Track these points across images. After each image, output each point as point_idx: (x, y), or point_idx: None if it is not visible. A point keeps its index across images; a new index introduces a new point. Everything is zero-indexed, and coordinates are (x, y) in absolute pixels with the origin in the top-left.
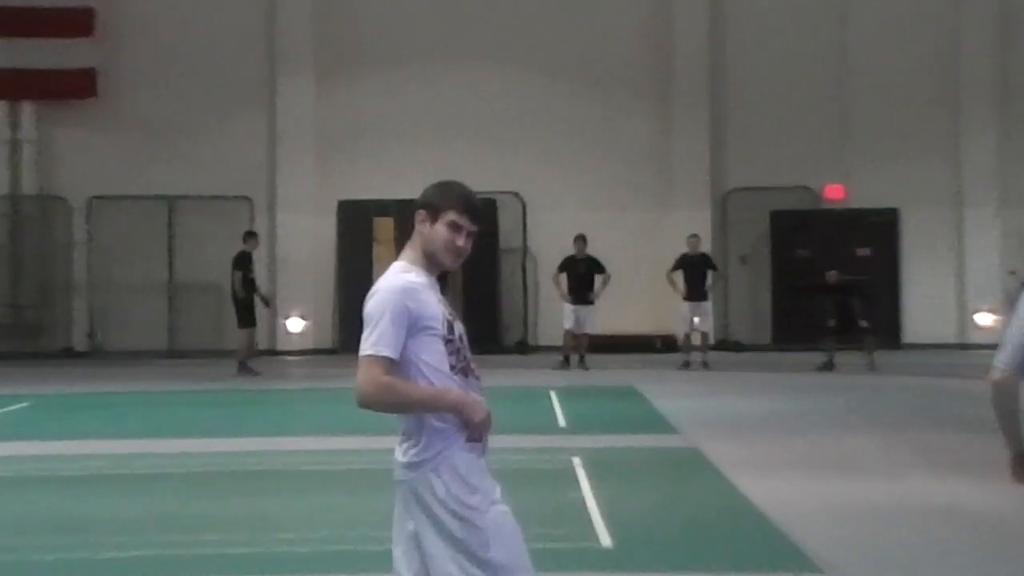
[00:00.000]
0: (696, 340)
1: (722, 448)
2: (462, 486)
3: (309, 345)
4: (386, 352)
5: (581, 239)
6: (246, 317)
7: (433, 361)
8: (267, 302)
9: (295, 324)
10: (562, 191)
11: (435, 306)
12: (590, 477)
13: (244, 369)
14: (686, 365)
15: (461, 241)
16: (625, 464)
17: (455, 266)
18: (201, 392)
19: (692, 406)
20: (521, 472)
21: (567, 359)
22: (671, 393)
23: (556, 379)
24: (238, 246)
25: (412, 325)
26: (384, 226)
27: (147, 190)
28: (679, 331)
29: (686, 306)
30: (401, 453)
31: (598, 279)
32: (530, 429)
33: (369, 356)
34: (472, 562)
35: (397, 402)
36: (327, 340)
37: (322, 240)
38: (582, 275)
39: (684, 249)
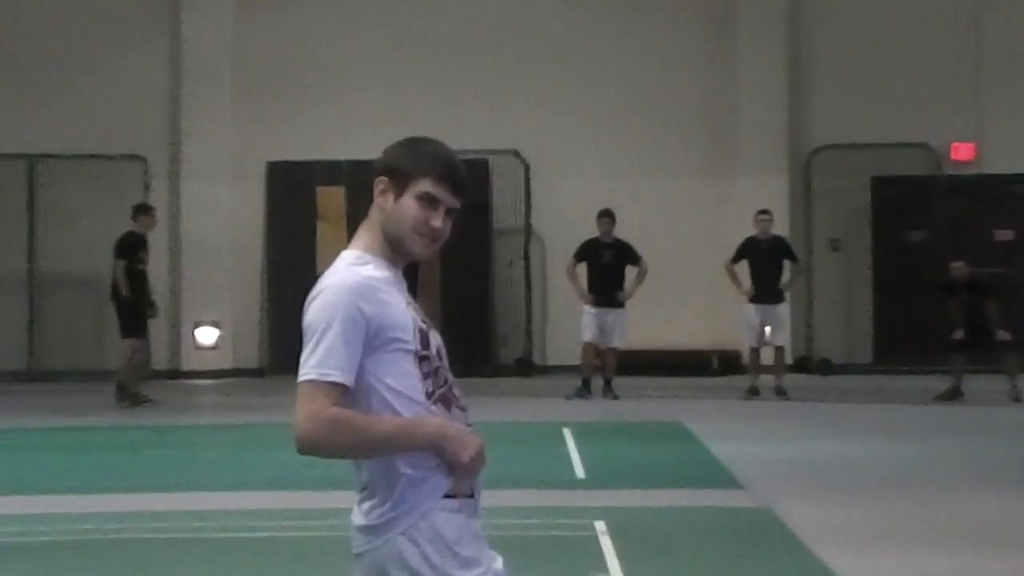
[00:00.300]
0: (768, 358)
1: (805, 510)
2: (449, 557)
3: (226, 364)
4: (335, 376)
5: (607, 217)
6: (131, 324)
7: (402, 386)
8: (153, 309)
9: (206, 335)
10: (580, 149)
11: (403, 311)
12: (619, 549)
13: (126, 396)
14: (754, 392)
15: (437, 221)
16: (667, 532)
17: (428, 254)
18: (73, 430)
19: (762, 451)
20: (523, 543)
21: (587, 384)
22: (733, 432)
23: (572, 411)
24: (125, 225)
25: (371, 338)
26: (332, 198)
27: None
28: (744, 345)
29: (753, 310)
30: (360, 515)
31: (630, 272)
32: (536, 482)
33: (311, 382)
34: None
35: (353, 443)
36: (251, 357)
37: (245, 218)
38: (608, 266)
39: (751, 231)
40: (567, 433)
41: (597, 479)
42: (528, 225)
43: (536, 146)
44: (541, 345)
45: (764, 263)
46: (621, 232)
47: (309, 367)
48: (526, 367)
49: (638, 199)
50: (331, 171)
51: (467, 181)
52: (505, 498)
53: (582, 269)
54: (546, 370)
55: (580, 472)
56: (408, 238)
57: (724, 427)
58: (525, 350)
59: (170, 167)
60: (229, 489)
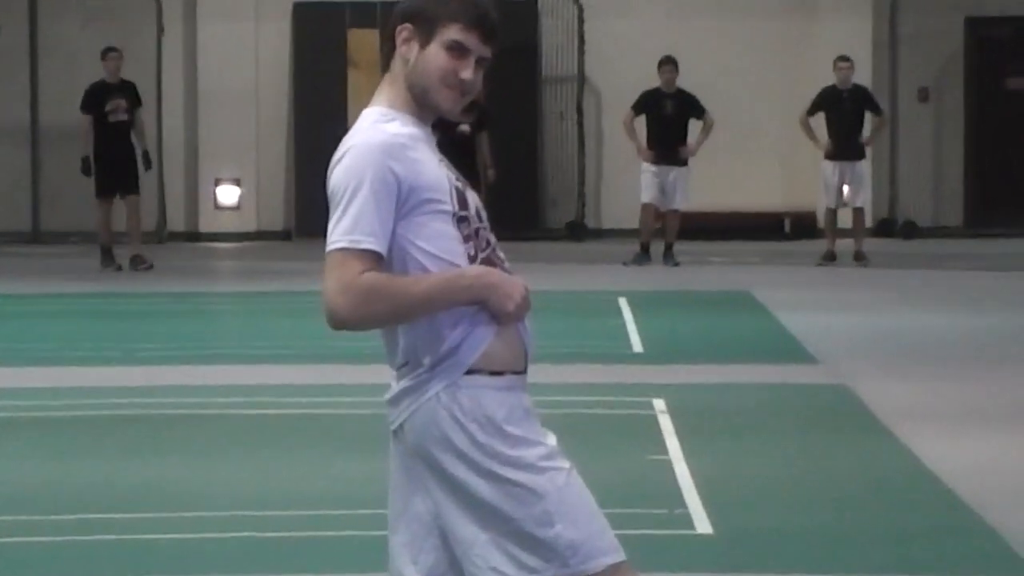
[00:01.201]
0: (846, 220)
1: (885, 388)
2: (498, 438)
3: (249, 226)
4: (367, 243)
5: (670, 64)
6: (99, 183)
7: (440, 250)
8: (147, 161)
9: (227, 194)
10: None
11: (435, 168)
12: (679, 431)
13: (106, 259)
14: (830, 258)
15: (467, 72)
16: (732, 411)
17: (457, 110)
18: (80, 296)
19: (839, 323)
20: (575, 421)
21: (646, 249)
22: (807, 302)
23: (629, 280)
24: (135, 71)
25: (404, 200)
26: (364, 41)
27: None
28: (820, 206)
29: (831, 167)
30: (394, 380)
31: (694, 126)
32: (589, 356)
33: (341, 250)
34: (528, 547)
35: (390, 310)
36: (276, 219)
37: (268, 64)
38: (670, 119)
39: (829, 80)
40: (623, 303)
41: (656, 353)
42: (581, 73)
43: None
44: (595, 207)
45: (844, 115)
46: (685, 82)
47: (338, 235)
48: (578, 231)
49: (704, 44)
50: (364, 11)
51: (499, 27)
52: (555, 374)
53: (641, 123)
54: (600, 234)
55: (637, 346)
56: (435, 91)
57: (797, 296)
58: (577, 212)
59: (185, 5)
60: (254, 362)
